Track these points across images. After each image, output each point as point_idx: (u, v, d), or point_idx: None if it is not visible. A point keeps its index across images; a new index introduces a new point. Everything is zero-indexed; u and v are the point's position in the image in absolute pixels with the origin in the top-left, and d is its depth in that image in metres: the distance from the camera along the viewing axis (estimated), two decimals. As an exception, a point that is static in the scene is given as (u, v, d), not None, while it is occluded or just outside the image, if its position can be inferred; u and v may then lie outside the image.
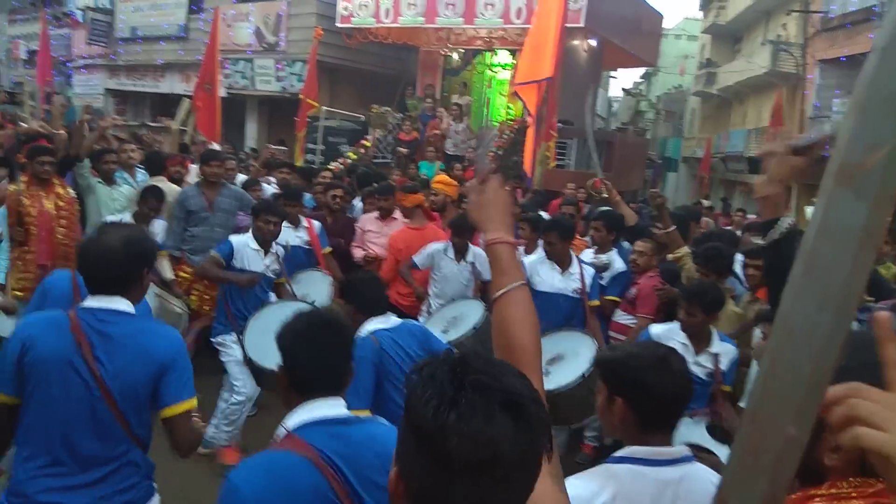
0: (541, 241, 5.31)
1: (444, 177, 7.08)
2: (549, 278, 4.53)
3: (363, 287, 3.20)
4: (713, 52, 28.70)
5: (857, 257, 0.46)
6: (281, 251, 4.68)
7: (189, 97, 9.94)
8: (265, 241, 4.49)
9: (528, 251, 5.26)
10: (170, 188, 5.82)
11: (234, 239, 4.48)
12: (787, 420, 0.50)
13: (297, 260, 5.19)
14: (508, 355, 1.22)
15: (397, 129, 12.81)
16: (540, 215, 6.00)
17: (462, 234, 4.98)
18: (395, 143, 12.56)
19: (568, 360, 3.48)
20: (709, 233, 6.42)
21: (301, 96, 10.90)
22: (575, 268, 4.58)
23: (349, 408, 2.96)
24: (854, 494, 1.04)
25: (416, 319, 5.22)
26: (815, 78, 17.78)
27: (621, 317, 4.71)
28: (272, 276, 4.59)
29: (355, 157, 12.11)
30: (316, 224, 5.52)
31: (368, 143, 12.76)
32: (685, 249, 4.42)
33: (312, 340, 1.76)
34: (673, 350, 1.79)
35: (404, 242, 5.42)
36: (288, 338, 1.78)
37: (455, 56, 15.32)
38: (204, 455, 4.18)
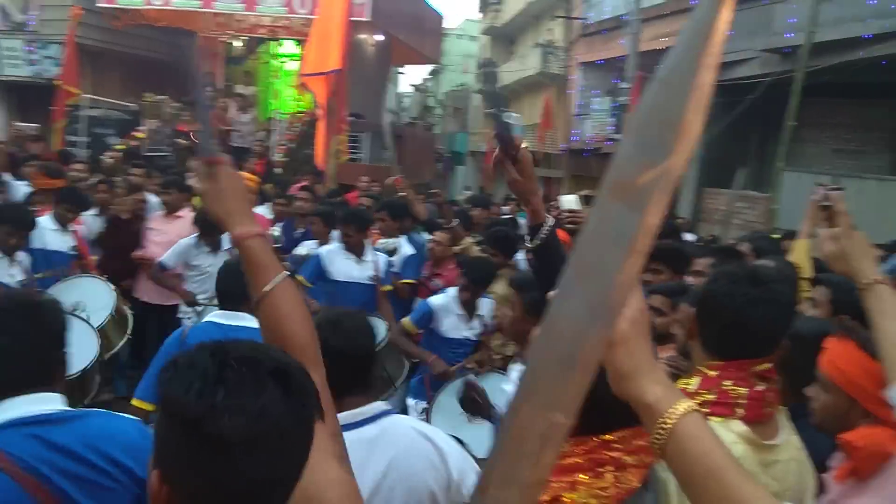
0: (336, 233, 5.31)
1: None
2: (345, 268, 4.59)
3: (223, 275, 2.94)
4: (492, 52, 30.55)
5: (626, 263, 0.50)
6: (25, 259, 4.07)
7: None
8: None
9: (322, 244, 5.21)
10: None
11: None
12: (554, 409, 0.52)
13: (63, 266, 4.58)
14: None
15: (175, 119, 11.92)
16: (331, 209, 5.97)
17: (212, 232, 4.77)
18: (174, 135, 11.67)
19: None
20: (494, 220, 6.86)
21: (58, 82, 9.68)
22: (369, 256, 4.71)
23: (138, 397, 2.71)
24: (577, 451, 1.14)
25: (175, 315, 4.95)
26: (578, 79, 19.68)
27: None
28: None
29: (125, 149, 11.04)
30: (82, 228, 4.99)
31: (142, 135, 11.71)
32: (468, 240, 4.84)
33: None
34: (349, 313, 1.83)
35: None
36: None
37: (237, 44, 14.61)
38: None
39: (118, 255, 5.25)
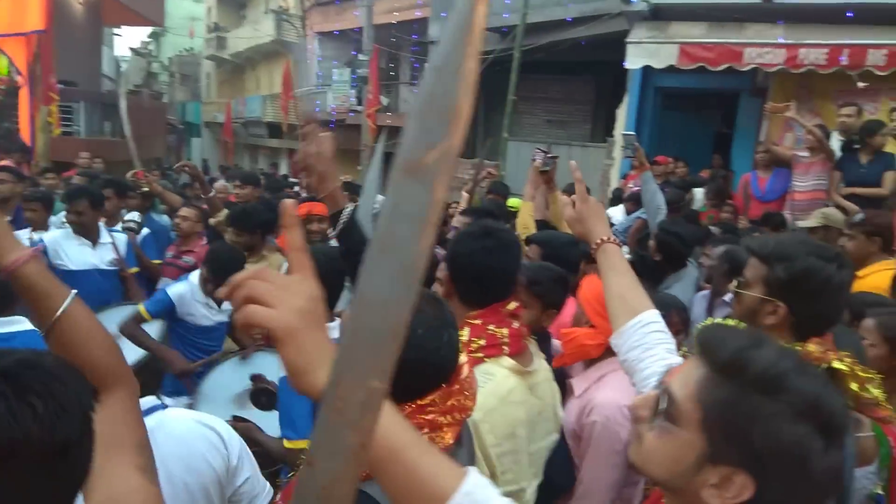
0: (55, 219, 4.72)
1: None
2: (79, 255, 4.10)
3: None
4: (220, 16, 28.81)
5: (422, 235, 0.55)
6: None
7: None
8: None
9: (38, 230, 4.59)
10: None
11: None
12: (371, 376, 0.56)
13: None
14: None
15: None
16: (50, 192, 5.24)
17: None
18: None
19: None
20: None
21: None
22: (105, 238, 4.27)
23: None
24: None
25: None
26: (314, 49, 19.48)
27: None
28: None
29: None
30: None
31: None
32: (225, 212, 4.59)
33: None
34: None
35: None
36: None
37: None
38: None
39: None
